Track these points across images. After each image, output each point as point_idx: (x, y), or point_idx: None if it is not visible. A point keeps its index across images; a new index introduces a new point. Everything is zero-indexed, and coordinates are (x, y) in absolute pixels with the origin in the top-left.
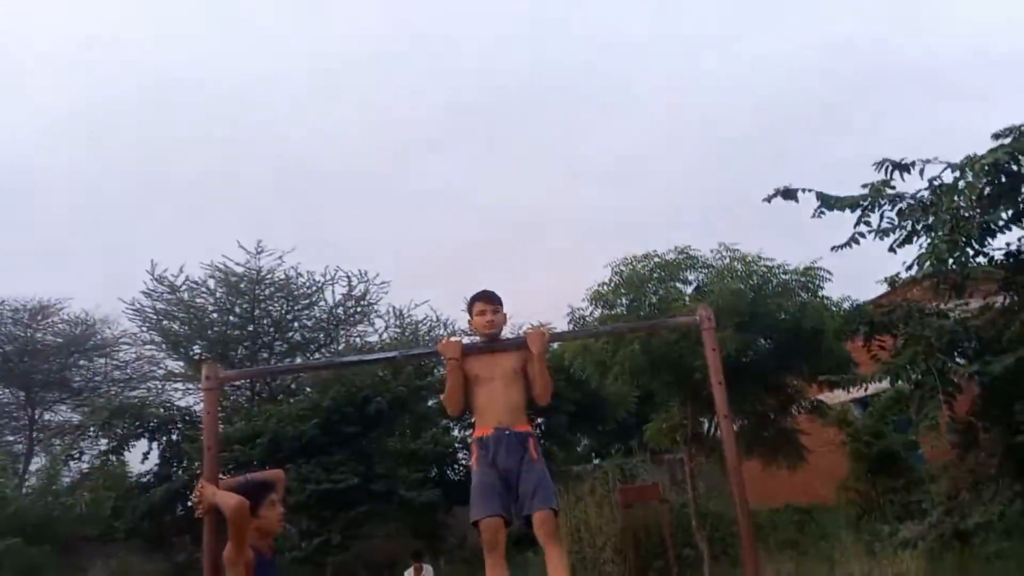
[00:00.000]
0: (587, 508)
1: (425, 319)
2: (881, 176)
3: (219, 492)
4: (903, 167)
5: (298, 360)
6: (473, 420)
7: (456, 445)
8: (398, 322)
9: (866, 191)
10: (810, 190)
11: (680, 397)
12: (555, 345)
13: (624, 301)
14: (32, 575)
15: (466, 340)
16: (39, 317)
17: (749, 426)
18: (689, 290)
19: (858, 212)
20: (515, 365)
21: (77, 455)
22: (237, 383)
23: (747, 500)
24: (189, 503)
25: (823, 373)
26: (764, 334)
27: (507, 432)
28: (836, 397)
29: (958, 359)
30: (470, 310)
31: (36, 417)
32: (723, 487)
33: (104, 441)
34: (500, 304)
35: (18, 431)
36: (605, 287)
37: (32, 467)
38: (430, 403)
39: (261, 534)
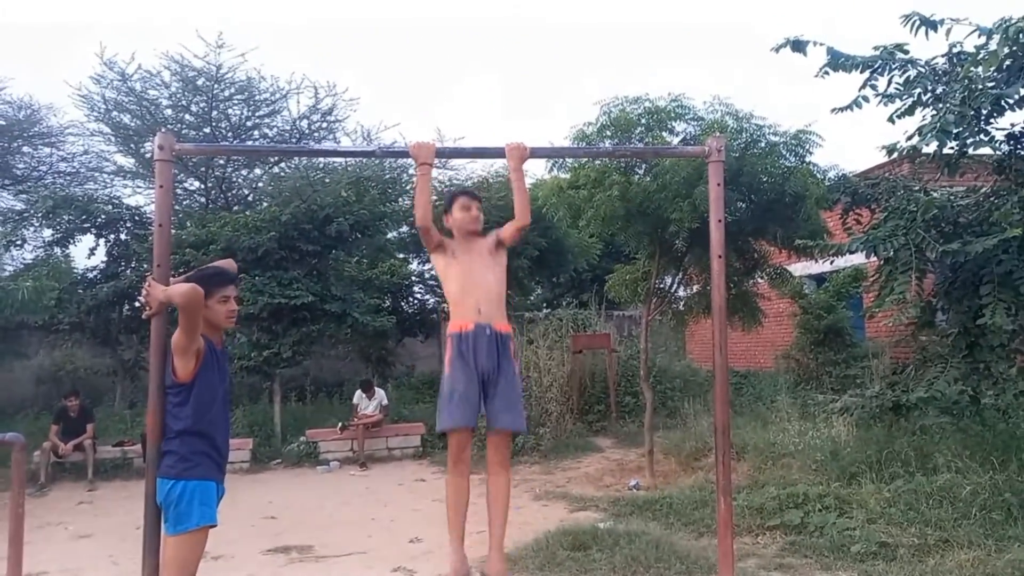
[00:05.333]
0: (538, 350)
1: (394, 144)
2: (907, 30)
3: (170, 287)
4: (931, 23)
5: (258, 172)
6: (446, 308)
7: (413, 278)
8: (365, 143)
9: (877, 53)
10: (821, 44)
11: (649, 250)
12: (529, 184)
13: (608, 144)
14: None
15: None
16: None
17: (710, 287)
18: (675, 141)
19: (866, 74)
20: (491, 245)
21: (19, 243)
22: (191, 187)
23: (727, 337)
24: (136, 303)
25: (798, 239)
26: (744, 196)
27: (488, 331)
28: (795, 271)
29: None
30: (450, 205)
31: None
32: (670, 345)
33: (48, 232)
34: (480, 201)
35: None
36: (590, 127)
37: None
38: (389, 235)
39: (209, 327)
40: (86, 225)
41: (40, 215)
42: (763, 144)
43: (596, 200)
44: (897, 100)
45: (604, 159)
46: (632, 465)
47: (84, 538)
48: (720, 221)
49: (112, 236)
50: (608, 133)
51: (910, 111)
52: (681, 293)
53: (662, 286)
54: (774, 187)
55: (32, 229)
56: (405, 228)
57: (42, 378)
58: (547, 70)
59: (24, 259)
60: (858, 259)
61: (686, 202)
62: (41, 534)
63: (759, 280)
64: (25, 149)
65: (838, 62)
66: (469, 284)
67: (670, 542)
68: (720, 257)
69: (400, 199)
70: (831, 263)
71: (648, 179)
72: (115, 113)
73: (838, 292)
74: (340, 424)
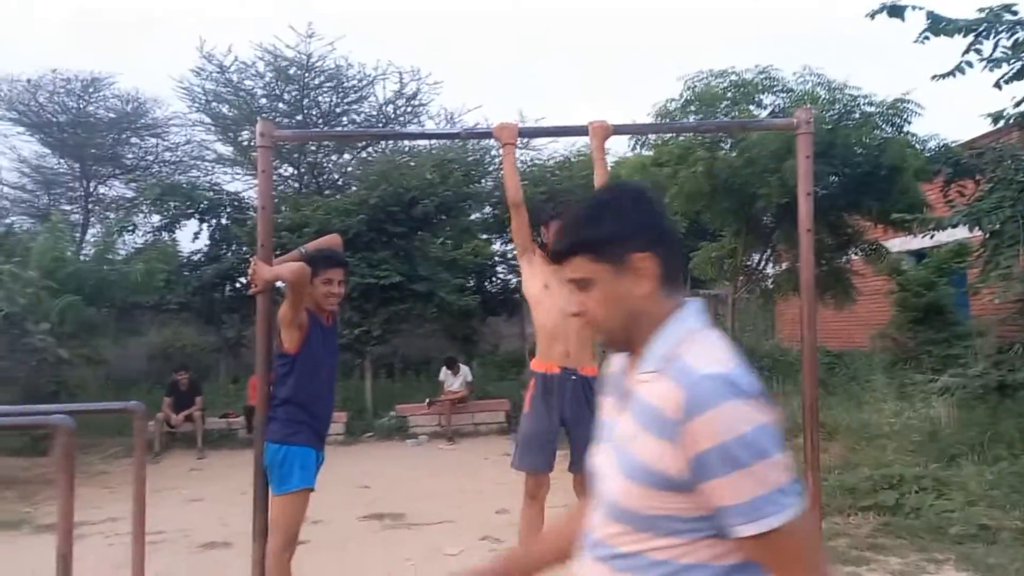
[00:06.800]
0: None
1: (476, 126)
2: None
3: (277, 266)
4: None
5: (347, 156)
6: (532, 340)
7: (496, 258)
8: (448, 126)
9: (983, 14)
10: (920, 8)
11: (735, 227)
12: (611, 163)
13: (692, 120)
14: (91, 332)
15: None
16: (91, 90)
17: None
18: (763, 115)
19: (970, 38)
20: None
21: (131, 228)
22: (285, 173)
23: (815, 312)
24: (239, 283)
25: (895, 213)
26: (837, 168)
27: (573, 377)
28: (892, 246)
29: None
30: (546, 226)
31: (91, 190)
32: (758, 324)
33: (156, 217)
34: None
35: (74, 201)
36: (673, 103)
37: (88, 237)
38: (472, 216)
39: (317, 304)
40: (190, 211)
41: (149, 202)
42: (857, 115)
43: (680, 177)
44: (1004, 64)
45: (688, 136)
46: None
47: (196, 501)
48: (809, 194)
49: (214, 221)
50: (692, 108)
51: (1019, 76)
52: (769, 271)
53: (749, 263)
54: (869, 159)
55: (142, 215)
56: (488, 209)
57: (153, 354)
58: (630, 55)
59: (135, 244)
60: (961, 233)
61: (774, 177)
62: (157, 497)
63: (853, 256)
64: (133, 140)
65: (939, 26)
66: (560, 325)
67: None
68: (809, 231)
69: (483, 180)
70: (931, 238)
71: (734, 155)
72: (214, 104)
73: (939, 268)
74: (428, 400)
